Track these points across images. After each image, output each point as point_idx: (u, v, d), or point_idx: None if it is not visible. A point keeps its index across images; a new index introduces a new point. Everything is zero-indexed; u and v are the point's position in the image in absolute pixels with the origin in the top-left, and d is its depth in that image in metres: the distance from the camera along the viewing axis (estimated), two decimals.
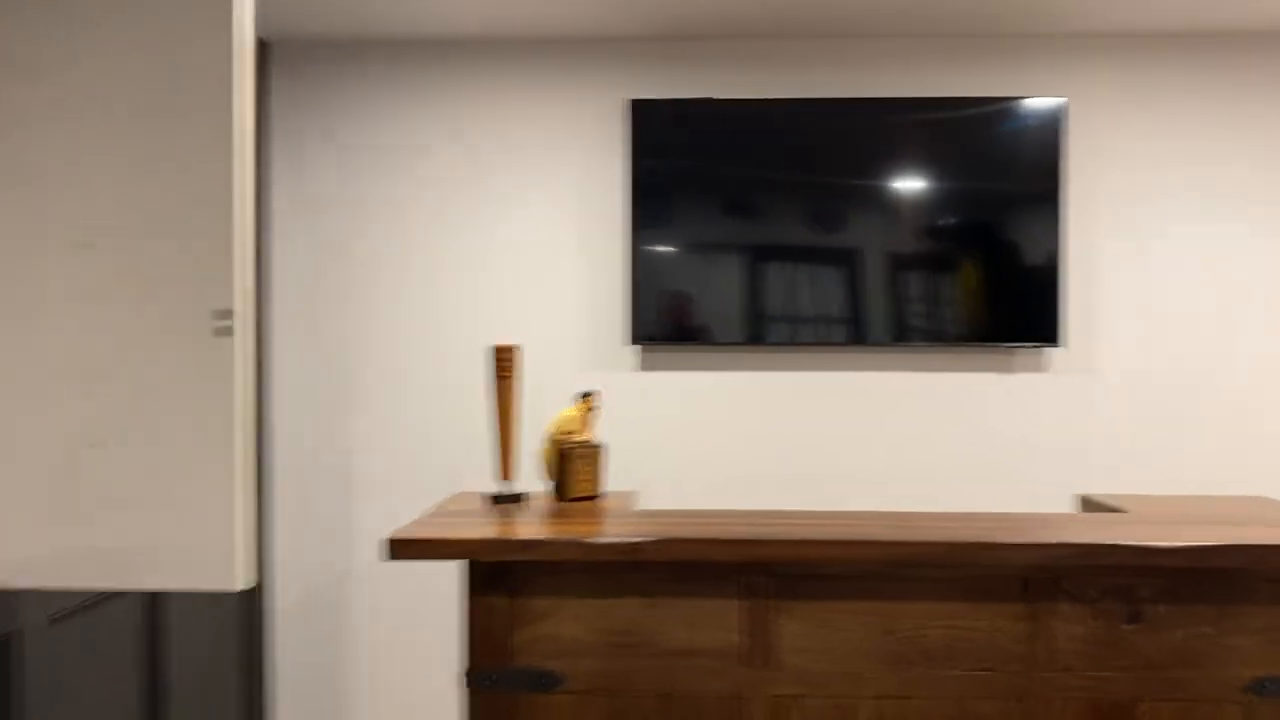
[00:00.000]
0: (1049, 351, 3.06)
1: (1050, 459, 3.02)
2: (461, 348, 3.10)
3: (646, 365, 3.08)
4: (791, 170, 2.97)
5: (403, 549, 1.71)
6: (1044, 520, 1.98)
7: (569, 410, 2.09)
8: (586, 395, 2.11)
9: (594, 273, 3.09)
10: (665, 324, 3.00)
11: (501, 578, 1.79)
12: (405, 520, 3.09)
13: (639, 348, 3.09)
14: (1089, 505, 2.35)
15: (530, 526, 1.82)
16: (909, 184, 2.96)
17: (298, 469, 3.14)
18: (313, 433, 3.13)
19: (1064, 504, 3.03)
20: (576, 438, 2.06)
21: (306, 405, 3.13)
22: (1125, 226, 3.03)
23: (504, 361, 2.02)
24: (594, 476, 2.08)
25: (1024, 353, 3.04)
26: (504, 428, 2.03)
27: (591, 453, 2.07)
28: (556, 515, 1.93)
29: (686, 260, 3.00)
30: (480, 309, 3.11)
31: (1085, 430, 3.02)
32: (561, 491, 2.05)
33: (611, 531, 1.75)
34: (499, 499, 2.04)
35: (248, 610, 3.08)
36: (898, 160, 2.97)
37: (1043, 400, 3.03)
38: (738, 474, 3.06)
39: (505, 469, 2.06)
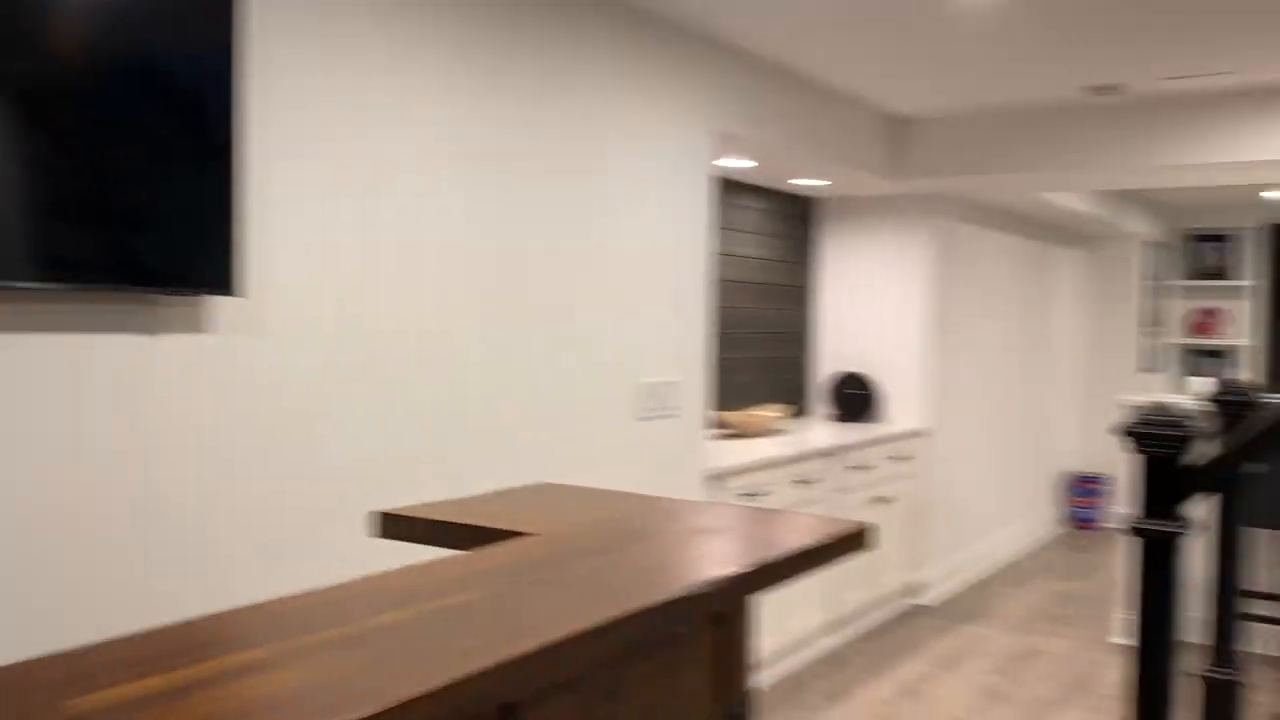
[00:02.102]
0: (215, 302, 2.11)
1: (216, 453, 2.09)
2: None
3: None
4: None
5: None
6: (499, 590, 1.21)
7: None
8: None
9: None
10: None
11: None
12: None
13: None
14: (394, 524, 1.60)
15: None
16: None
17: None
18: None
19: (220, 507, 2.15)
20: None
21: None
22: (311, 110, 2.25)
23: None
24: None
25: (172, 305, 2.03)
26: None
27: None
28: None
29: None
30: None
31: (269, 411, 2.18)
32: None
33: None
34: None
35: None
36: None
37: (201, 375, 2.08)
38: None
39: None
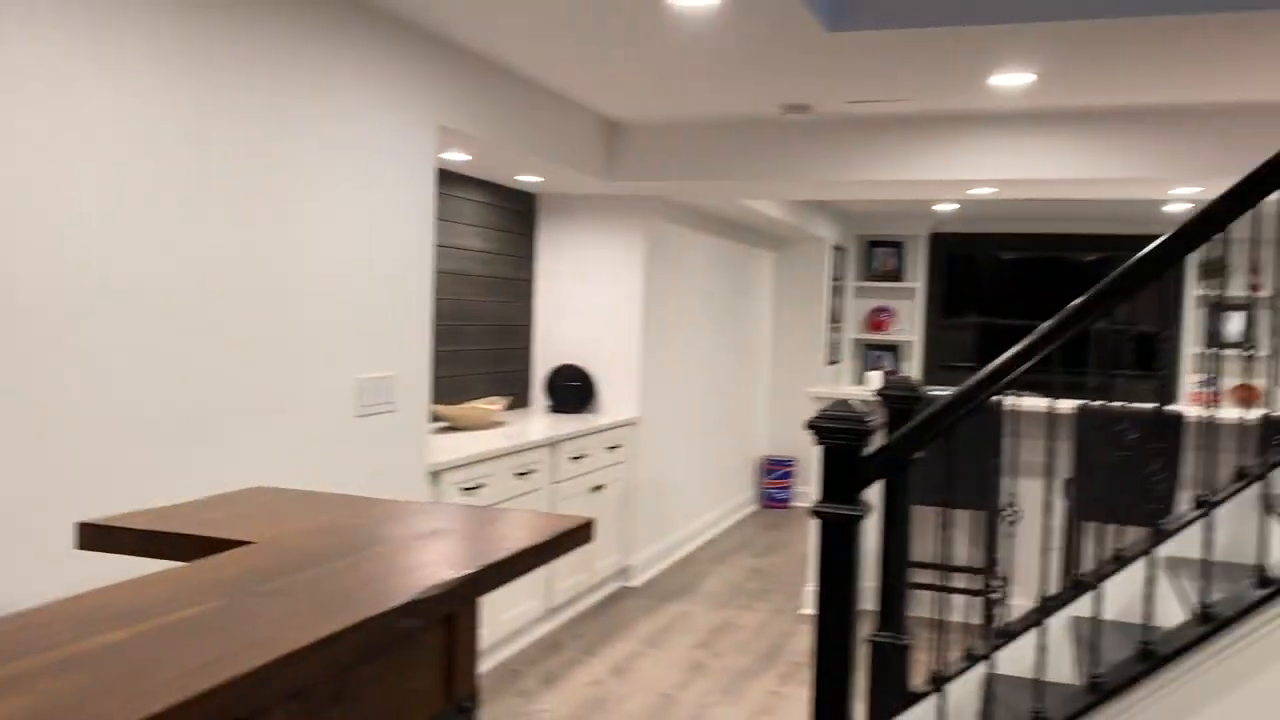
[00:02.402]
0: None
1: None
2: None
3: None
4: None
5: None
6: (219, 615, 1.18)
7: None
8: None
9: None
10: None
11: None
12: None
13: None
14: (100, 535, 1.51)
15: None
16: None
17: None
18: None
19: None
20: None
21: None
22: None
23: None
24: None
25: None
26: None
27: None
28: None
29: None
30: None
31: None
32: None
33: None
34: None
35: None
36: None
37: None
38: None
39: None
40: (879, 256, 8.79)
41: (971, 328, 8.65)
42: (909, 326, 8.71)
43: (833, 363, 8.33)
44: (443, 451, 3.72)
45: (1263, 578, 2.07)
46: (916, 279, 8.66)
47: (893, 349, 8.75)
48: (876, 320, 8.77)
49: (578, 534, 1.63)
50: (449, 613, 1.46)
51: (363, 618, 1.11)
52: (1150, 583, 2.20)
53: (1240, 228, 7.27)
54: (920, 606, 4.95)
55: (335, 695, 1.23)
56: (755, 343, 7.79)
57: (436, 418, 4.43)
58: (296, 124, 2.88)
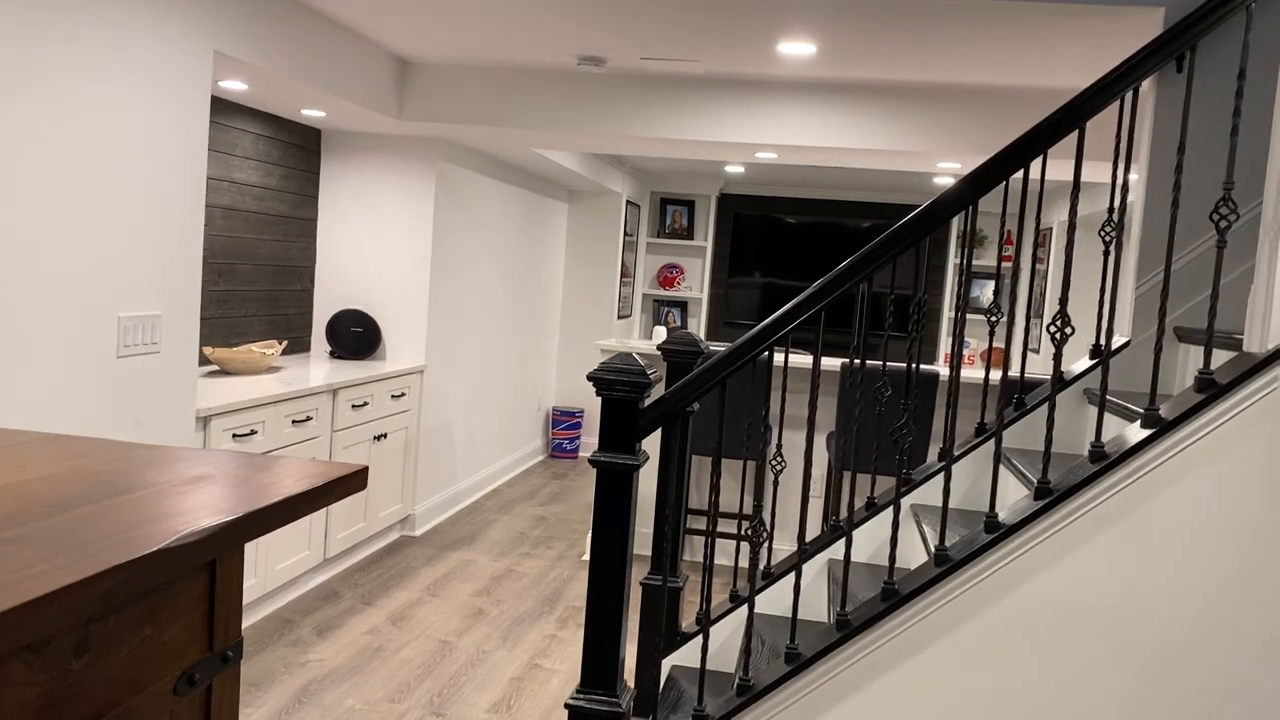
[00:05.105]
0: None
1: None
2: None
3: None
4: None
5: None
6: None
7: None
8: None
9: None
10: None
11: None
12: None
13: None
14: None
15: None
16: None
17: None
18: None
19: None
20: None
21: None
22: None
23: None
24: None
25: None
26: None
27: None
28: None
29: None
30: None
31: None
32: None
33: None
34: None
35: None
36: None
37: None
38: None
39: None
40: (671, 214, 8.97)
41: (756, 287, 9.00)
42: (697, 284, 8.96)
43: (623, 317, 8.47)
44: (213, 396, 3.55)
45: (990, 523, 2.29)
46: (705, 238, 8.90)
47: (681, 305, 8.99)
48: (666, 276, 8.97)
49: (351, 481, 1.61)
50: (211, 560, 1.42)
51: (109, 566, 1.06)
52: (895, 527, 2.40)
53: (991, 203, 7.86)
54: (694, 551, 5.16)
55: (80, 646, 1.18)
56: (547, 293, 7.81)
57: (206, 361, 4.22)
58: (53, 42, 2.64)
